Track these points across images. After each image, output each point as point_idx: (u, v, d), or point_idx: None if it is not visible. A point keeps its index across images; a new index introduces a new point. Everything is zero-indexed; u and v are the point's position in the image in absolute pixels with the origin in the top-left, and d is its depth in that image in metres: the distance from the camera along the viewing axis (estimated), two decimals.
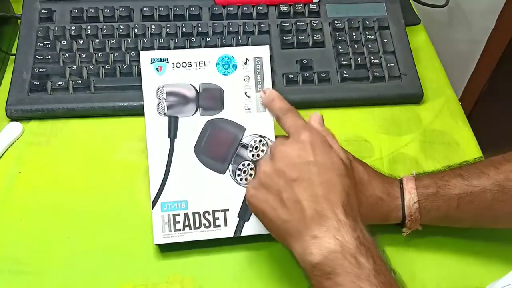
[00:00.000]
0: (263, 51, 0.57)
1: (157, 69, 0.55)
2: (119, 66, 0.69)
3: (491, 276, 0.51)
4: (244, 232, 0.56)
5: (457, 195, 0.53)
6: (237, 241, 0.57)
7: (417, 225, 0.55)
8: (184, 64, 0.55)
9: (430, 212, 0.54)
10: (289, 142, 0.49)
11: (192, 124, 0.55)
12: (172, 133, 0.55)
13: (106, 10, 0.73)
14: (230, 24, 0.74)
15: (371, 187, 0.53)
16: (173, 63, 0.55)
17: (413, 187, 0.54)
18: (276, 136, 0.56)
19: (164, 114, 0.55)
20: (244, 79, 0.56)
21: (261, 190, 0.48)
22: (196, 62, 0.56)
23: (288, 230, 0.46)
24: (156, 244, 0.55)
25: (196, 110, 0.56)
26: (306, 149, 0.47)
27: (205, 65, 0.56)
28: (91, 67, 0.69)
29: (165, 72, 0.55)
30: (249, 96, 0.56)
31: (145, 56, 0.55)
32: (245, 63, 0.56)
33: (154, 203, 0.55)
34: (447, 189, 0.54)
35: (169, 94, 0.55)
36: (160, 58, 0.55)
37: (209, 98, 0.56)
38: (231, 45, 0.73)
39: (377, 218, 0.55)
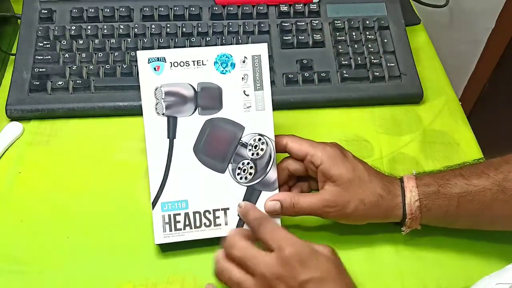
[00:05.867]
0: (261, 49, 0.56)
1: (154, 68, 0.55)
2: (119, 66, 0.69)
3: None
4: None
5: (458, 194, 0.53)
6: None
7: (417, 224, 0.55)
8: (182, 63, 0.55)
9: (431, 211, 0.54)
10: (276, 260, 0.48)
11: (191, 124, 0.55)
12: (171, 133, 0.55)
13: (106, 10, 0.73)
14: (230, 24, 0.74)
15: (372, 185, 0.54)
16: (171, 63, 0.55)
17: (414, 185, 0.54)
18: (276, 135, 0.56)
19: (163, 114, 0.55)
20: (242, 78, 0.56)
21: None
22: (194, 61, 0.55)
23: None
24: (157, 244, 0.55)
25: (195, 109, 0.55)
26: (296, 268, 0.47)
27: (203, 64, 0.55)
28: (91, 67, 0.69)
29: (162, 71, 0.55)
30: (247, 95, 0.56)
31: (142, 56, 0.55)
32: (243, 61, 0.56)
33: (154, 203, 0.55)
34: (448, 188, 0.54)
35: (167, 94, 0.55)
36: (158, 58, 0.55)
37: (208, 97, 0.55)
38: (231, 45, 0.72)
39: (378, 215, 0.55)
